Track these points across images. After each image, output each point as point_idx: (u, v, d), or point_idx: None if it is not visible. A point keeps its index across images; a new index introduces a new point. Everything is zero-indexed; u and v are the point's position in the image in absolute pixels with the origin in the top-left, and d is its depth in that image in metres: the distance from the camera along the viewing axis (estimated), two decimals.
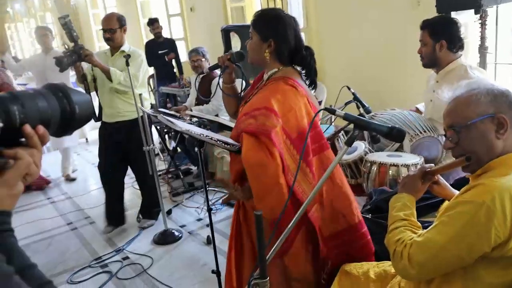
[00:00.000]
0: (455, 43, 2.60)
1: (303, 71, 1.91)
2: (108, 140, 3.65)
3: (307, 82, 1.91)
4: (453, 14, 2.78)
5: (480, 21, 2.91)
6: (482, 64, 2.99)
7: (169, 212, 4.00)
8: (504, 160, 1.30)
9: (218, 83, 2.07)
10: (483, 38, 2.95)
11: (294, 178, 1.53)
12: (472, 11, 2.69)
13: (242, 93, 2.08)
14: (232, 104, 2.10)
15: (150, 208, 3.89)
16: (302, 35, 1.93)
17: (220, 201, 4.15)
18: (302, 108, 1.76)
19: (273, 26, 1.83)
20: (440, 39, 2.59)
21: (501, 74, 3.61)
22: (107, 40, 3.46)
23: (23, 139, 0.75)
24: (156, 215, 3.90)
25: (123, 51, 3.46)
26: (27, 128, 0.74)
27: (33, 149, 0.76)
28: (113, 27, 3.41)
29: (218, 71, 2.12)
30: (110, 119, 3.58)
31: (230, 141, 2.02)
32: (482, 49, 2.98)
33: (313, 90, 1.94)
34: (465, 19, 3.39)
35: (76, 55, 3.14)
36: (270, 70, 1.89)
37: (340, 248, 1.86)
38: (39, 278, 0.77)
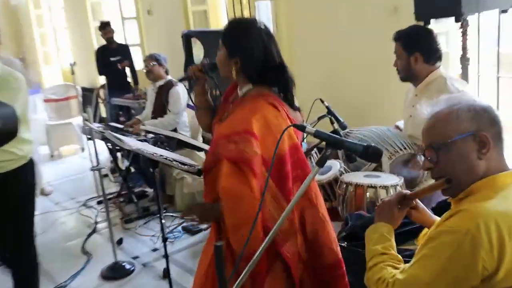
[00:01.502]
0: (431, 55, 2.62)
1: (279, 92, 1.89)
2: None
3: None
4: (433, 22, 2.85)
5: (461, 30, 3.00)
6: (464, 75, 3.07)
7: (119, 242, 3.90)
8: (487, 182, 1.31)
9: (189, 96, 2.04)
10: (464, 48, 3.04)
11: (258, 209, 1.51)
12: (453, 19, 2.77)
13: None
14: (206, 117, 2.09)
15: None
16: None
17: (180, 228, 4.08)
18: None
19: (241, 42, 1.82)
20: (414, 52, 2.61)
21: (484, 86, 3.72)
22: None
23: None
24: None
25: None
26: None
27: None
28: None
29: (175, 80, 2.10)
30: None
31: (188, 161, 1.99)
32: (464, 59, 3.07)
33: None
34: (446, 28, 3.49)
35: None
36: (243, 87, 1.87)
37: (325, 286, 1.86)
38: None
